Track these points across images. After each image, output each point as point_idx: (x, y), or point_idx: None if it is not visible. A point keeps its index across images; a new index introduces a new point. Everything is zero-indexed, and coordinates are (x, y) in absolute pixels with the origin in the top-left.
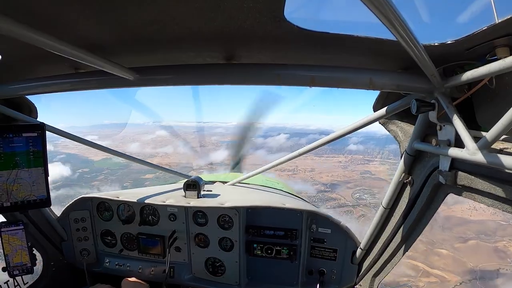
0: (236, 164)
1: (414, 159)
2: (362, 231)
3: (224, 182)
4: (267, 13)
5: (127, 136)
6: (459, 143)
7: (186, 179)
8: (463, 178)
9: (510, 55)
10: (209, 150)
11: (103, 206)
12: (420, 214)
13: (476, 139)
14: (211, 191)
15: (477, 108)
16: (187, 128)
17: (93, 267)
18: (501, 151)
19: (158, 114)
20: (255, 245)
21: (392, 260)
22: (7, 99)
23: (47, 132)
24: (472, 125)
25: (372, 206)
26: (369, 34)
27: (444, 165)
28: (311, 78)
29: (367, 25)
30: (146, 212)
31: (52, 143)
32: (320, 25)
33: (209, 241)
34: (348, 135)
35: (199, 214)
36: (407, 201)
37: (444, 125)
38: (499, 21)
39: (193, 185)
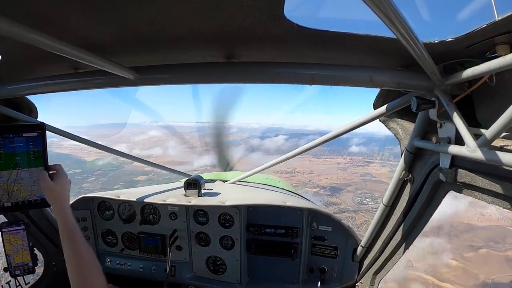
0: (227, 166)
1: (414, 157)
2: None
3: (224, 181)
4: (267, 12)
5: (123, 137)
6: (460, 141)
7: (186, 178)
8: (464, 175)
9: (510, 52)
10: (206, 151)
11: (103, 206)
12: (421, 212)
13: (476, 136)
14: (212, 189)
15: (477, 106)
16: (185, 128)
17: None
18: (501, 149)
19: (157, 114)
20: (256, 243)
21: (393, 258)
22: (7, 99)
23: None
24: (472, 122)
25: (375, 211)
26: (369, 32)
27: (445, 162)
28: (311, 76)
29: (367, 23)
30: (147, 211)
31: None
32: (320, 23)
33: (210, 239)
34: (349, 137)
35: (199, 213)
36: (407, 198)
37: (444, 123)
38: (499, 18)
39: (194, 184)
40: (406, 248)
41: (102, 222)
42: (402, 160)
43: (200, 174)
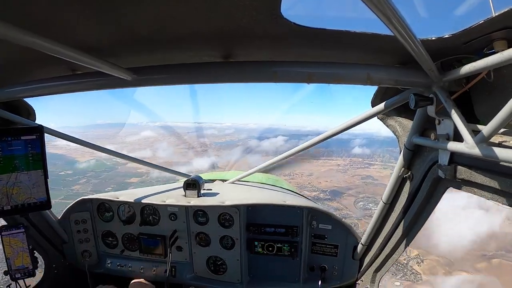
0: None
1: (413, 154)
2: None
3: (223, 181)
4: (264, 11)
5: (120, 137)
6: (458, 137)
7: (185, 178)
8: (463, 172)
9: (508, 48)
10: (202, 152)
11: (103, 207)
12: (420, 209)
13: (474, 132)
14: (211, 189)
15: (475, 102)
16: (182, 128)
17: (94, 269)
18: (499, 144)
19: (155, 114)
20: (256, 243)
21: (393, 255)
22: (5, 102)
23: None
24: (471, 118)
25: None
26: (366, 29)
27: (443, 159)
28: (309, 75)
29: (364, 20)
30: (147, 212)
31: None
32: (317, 22)
33: (210, 239)
34: (350, 137)
35: (199, 213)
36: (407, 195)
37: (442, 119)
38: (496, 14)
39: (193, 184)
40: (407, 245)
41: (102, 223)
42: (401, 157)
43: (199, 174)
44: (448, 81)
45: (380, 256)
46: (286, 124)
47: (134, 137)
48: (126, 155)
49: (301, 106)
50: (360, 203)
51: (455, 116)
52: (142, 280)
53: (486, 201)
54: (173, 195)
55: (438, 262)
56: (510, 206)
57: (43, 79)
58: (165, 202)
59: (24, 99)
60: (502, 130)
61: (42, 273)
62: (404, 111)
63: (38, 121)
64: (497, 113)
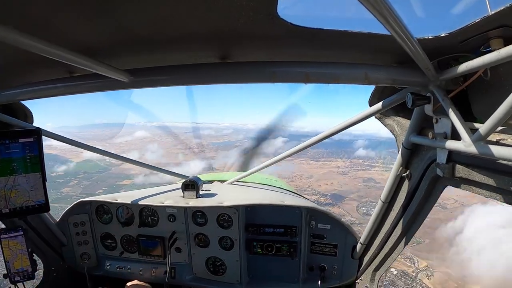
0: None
1: (411, 153)
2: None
3: (222, 181)
4: (261, 11)
5: (116, 137)
6: (456, 135)
7: (184, 180)
8: (461, 170)
9: (504, 46)
10: (197, 153)
11: (102, 209)
12: (419, 207)
13: (472, 131)
14: (210, 190)
15: (472, 100)
16: (180, 128)
17: (94, 271)
18: (497, 142)
19: (152, 114)
20: (255, 243)
21: (392, 254)
22: (3, 105)
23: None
24: (468, 117)
25: None
26: (363, 29)
27: (441, 157)
28: (306, 75)
29: (361, 20)
30: (145, 213)
31: None
32: (314, 22)
33: (209, 240)
34: (352, 138)
35: (198, 214)
36: (405, 194)
37: (440, 118)
38: (492, 12)
39: (192, 185)
40: (405, 244)
41: (100, 225)
42: (399, 156)
43: (198, 175)
44: (445, 79)
45: (379, 255)
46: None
47: (130, 138)
48: (124, 157)
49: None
50: (363, 208)
51: (452, 114)
52: (137, 281)
53: None
54: (171, 196)
55: (449, 276)
56: (508, 204)
57: (40, 81)
58: (163, 203)
59: (21, 101)
60: (499, 128)
61: (41, 276)
62: (401, 110)
63: (36, 121)
64: (494, 111)
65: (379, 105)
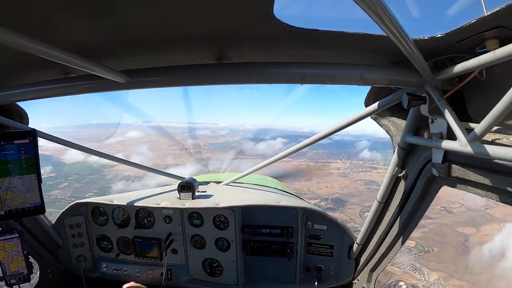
0: None
1: (407, 153)
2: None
3: (218, 182)
4: (257, 12)
5: (112, 137)
6: (451, 136)
7: (180, 181)
8: (456, 170)
9: (500, 47)
10: (190, 155)
11: (98, 211)
12: (415, 207)
13: (468, 131)
14: (206, 191)
15: (468, 100)
16: (176, 129)
17: (90, 273)
18: (492, 142)
19: (148, 114)
20: (251, 244)
21: (389, 254)
22: None
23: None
24: (464, 117)
25: None
26: (359, 30)
27: (437, 157)
28: (302, 76)
29: (357, 21)
30: (141, 215)
31: None
32: (310, 22)
33: (206, 242)
34: (354, 139)
35: (194, 215)
36: (401, 194)
37: (435, 118)
38: (488, 13)
39: (187, 187)
40: (402, 244)
41: (96, 227)
42: (395, 156)
43: (194, 177)
44: (441, 80)
45: (375, 255)
46: (282, 125)
47: (125, 138)
48: (120, 158)
49: (295, 107)
50: (366, 213)
51: (448, 114)
52: (133, 283)
53: None
54: (167, 198)
55: None
56: (504, 203)
57: (36, 82)
58: (159, 205)
59: (17, 102)
60: (494, 128)
61: (37, 278)
62: (397, 110)
63: (31, 121)
64: (489, 111)
65: (375, 105)
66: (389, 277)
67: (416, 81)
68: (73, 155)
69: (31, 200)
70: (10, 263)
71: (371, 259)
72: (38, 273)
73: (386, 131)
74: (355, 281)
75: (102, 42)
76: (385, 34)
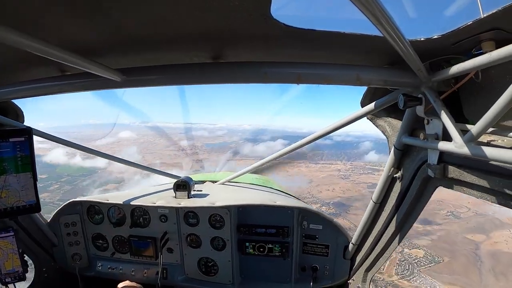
0: None
1: (402, 154)
2: None
3: (214, 182)
4: (254, 11)
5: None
6: (447, 137)
7: (175, 180)
8: (452, 171)
9: (496, 49)
10: (191, 155)
11: (93, 210)
12: (410, 208)
13: (463, 132)
14: (201, 191)
15: (463, 102)
16: (173, 129)
17: (85, 272)
18: (488, 144)
19: (145, 114)
20: (247, 244)
21: (384, 254)
22: None
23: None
24: (459, 118)
25: (402, 245)
26: (356, 30)
27: (433, 158)
28: (298, 76)
29: (354, 21)
30: (137, 214)
31: None
32: (307, 22)
33: (201, 241)
34: (358, 140)
35: (190, 215)
36: (397, 195)
37: (431, 119)
38: (484, 15)
39: (183, 186)
40: (397, 244)
41: (92, 226)
42: (390, 157)
43: (190, 176)
44: (437, 81)
45: (371, 255)
46: (279, 125)
47: (120, 138)
48: (115, 157)
49: (292, 107)
50: None
51: (444, 116)
52: (128, 282)
53: None
54: (163, 197)
55: None
56: (499, 204)
57: (32, 80)
58: (155, 203)
59: (12, 100)
60: (490, 129)
61: (32, 277)
62: (393, 111)
63: (27, 120)
64: (485, 113)
65: (371, 106)
66: None
67: (412, 82)
68: (69, 155)
69: (26, 199)
70: (5, 262)
71: (366, 259)
72: (33, 271)
73: (382, 131)
74: (350, 281)
75: (99, 40)
76: (381, 35)
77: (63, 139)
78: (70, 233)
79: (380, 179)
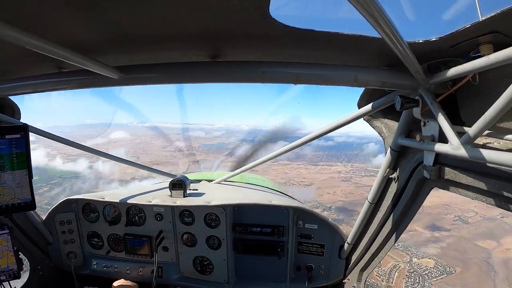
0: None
1: (398, 155)
2: None
3: (209, 181)
4: (253, 11)
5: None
6: (443, 139)
7: (171, 178)
8: (447, 172)
9: (494, 52)
10: (188, 155)
11: (88, 208)
12: (405, 209)
13: (459, 134)
14: (197, 190)
15: (460, 104)
16: (170, 129)
17: (80, 270)
18: (484, 146)
19: (143, 114)
20: (242, 243)
21: (379, 254)
22: None
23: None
24: (456, 120)
25: (408, 251)
26: (354, 31)
27: (429, 160)
28: (296, 76)
29: (352, 22)
30: (132, 212)
31: None
32: (305, 23)
33: (197, 240)
34: (363, 142)
35: (185, 213)
36: (392, 196)
37: (428, 121)
38: (483, 18)
39: (179, 184)
40: (392, 244)
41: (87, 224)
42: (386, 158)
43: (186, 175)
44: (434, 83)
45: (366, 255)
46: (277, 126)
47: (115, 138)
48: (111, 155)
49: (288, 108)
50: None
51: (440, 118)
52: (123, 281)
53: None
54: (159, 195)
55: None
56: (494, 206)
57: (29, 76)
58: (151, 202)
59: (9, 97)
60: (486, 131)
61: (27, 275)
62: (390, 112)
63: (25, 119)
64: (481, 116)
65: (368, 107)
66: None
67: (409, 84)
68: (63, 156)
69: (21, 196)
70: (0, 259)
71: (361, 258)
72: (28, 269)
73: (379, 132)
74: (345, 280)
75: (97, 38)
76: (380, 37)
77: (60, 137)
78: (65, 231)
79: (376, 180)
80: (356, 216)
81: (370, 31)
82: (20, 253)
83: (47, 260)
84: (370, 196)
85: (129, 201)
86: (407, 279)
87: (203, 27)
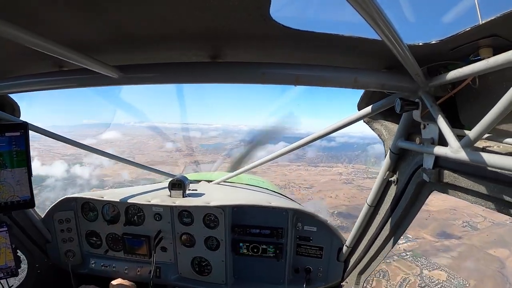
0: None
1: (398, 158)
2: None
3: (209, 181)
4: (253, 12)
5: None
6: (443, 142)
7: (171, 179)
8: (447, 175)
9: (494, 55)
10: (187, 156)
11: (87, 207)
12: (405, 212)
13: (459, 137)
14: (196, 190)
15: (460, 107)
16: (168, 129)
17: (78, 269)
18: (483, 149)
19: (142, 114)
20: (241, 244)
21: (378, 257)
22: None
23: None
24: (456, 123)
25: (416, 261)
26: (354, 33)
27: (428, 163)
28: (296, 77)
29: (352, 24)
30: (131, 212)
31: None
32: (306, 24)
33: (195, 240)
34: (372, 143)
35: (184, 214)
36: (391, 199)
37: (427, 124)
38: (483, 22)
39: (178, 184)
40: (390, 248)
41: (86, 223)
42: (386, 160)
43: (185, 175)
44: (434, 86)
45: (364, 258)
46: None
47: (113, 138)
48: (109, 153)
49: (287, 108)
50: None
51: (440, 121)
52: (120, 280)
53: None
54: (158, 195)
55: None
56: (493, 210)
57: (29, 75)
58: (150, 202)
59: (9, 95)
60: (486, 135)
61: (25, 273)
62: (389, 115)
63: (23, 119)
64: (481, 119)
65: (367, 109)
66: None
67: (409, 87)
68: (56, 156)
69: (21, 194)
70: None
71: (360, 261)
72: (26, 267)
73: (378, 135)
74: (343, 283)
75: (97, 37)
76: (380, 39)
77: (59, 135)
78: (64, 230)
79: (375, 182)
80: None
81: (370, 33)
82: (18, 250)
83: (45, 258)
84: (369, 198)
85: (128, 201)
86: None
87: (203, 27)
